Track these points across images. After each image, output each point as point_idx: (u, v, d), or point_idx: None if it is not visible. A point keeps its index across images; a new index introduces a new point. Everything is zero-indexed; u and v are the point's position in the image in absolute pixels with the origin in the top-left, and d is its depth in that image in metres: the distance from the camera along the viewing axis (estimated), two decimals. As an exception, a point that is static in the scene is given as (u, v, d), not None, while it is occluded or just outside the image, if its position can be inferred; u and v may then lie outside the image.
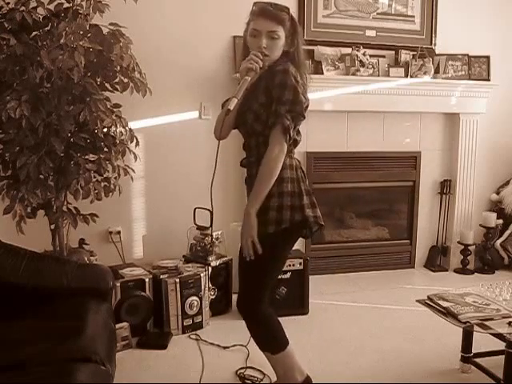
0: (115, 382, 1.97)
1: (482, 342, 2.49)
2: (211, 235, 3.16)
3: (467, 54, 3.95)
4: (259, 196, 1.88)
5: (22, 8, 2.40)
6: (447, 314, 2.27)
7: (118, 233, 3.43)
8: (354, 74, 3.67)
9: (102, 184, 2.72)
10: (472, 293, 2.48)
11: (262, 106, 1.90)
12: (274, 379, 2.26)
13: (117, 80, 2.69)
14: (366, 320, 3.18)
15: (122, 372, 2.31)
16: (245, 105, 1.95)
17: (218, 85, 3.51)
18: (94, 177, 2.69)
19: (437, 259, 4.21)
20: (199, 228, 3.26)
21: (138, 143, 2.81)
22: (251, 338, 2.67)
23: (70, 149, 2.57)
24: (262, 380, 2.46)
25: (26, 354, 1.75)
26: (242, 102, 1.94)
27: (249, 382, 2.44)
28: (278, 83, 1.86)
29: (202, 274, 3.01)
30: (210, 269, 3.11)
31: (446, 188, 4.14)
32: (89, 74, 2.57)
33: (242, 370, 2.51)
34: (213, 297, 3.15)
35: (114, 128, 2.67)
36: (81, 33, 2.44)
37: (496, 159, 4.29)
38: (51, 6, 2.52)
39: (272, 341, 2.12)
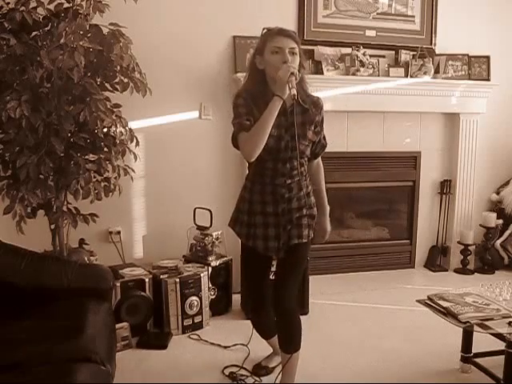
0: (115, 382, 1.97)
1: (482, 342, 2.49)
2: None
3: (467, 54, 3.95)
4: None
5: (22, 8, 2.40)
6: (447, 314, 2.27)
7: (118, 233, 3.43)
8: (354, 74, 3.67)
9: (102, 184, 2.72)
10: (472, 293, 2.48)
11: (314, 134, 2.14)
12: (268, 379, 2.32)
13: (117, 80, 2.68)
14: (366, 320, 3.18)
15: (122, 372, 2.31)
16: (289, 131, 2.06)
17: (218, 85, 3.51)
18: (94, 177, 2.69)
19: (437, 259, 4.21)
20: (199, 228, 3.26)
21: (137, 143, 2.80)
22: (251, 338, 2.70)
23: (70, 149, 2.56)
24: (246, 378, 2.47)
25: (26, 353, 1.75)
26: (283, 128, 2.06)
27: (241, 381, 2.45)
28: (323, 117, 2.18)
29: (202, 274, 3.01)
30: (210, 269, 3.11)
31: (446, 188, 4.14)
32: (89, 74, 2.57)
33: (233, 369, 2.52)
34: (213, 297, 3.15)
35: (113, 128, 2.67)
36: (81, 33, 2.44)
37: (496, 159, 4.29)
38: (51, 6, 2.52)
39: (300, 336, 2.24)
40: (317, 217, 2.23)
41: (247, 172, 2.23)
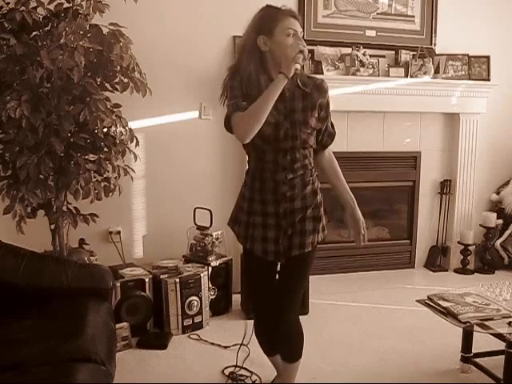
0: (115, 382, 1.97)
1: (482, 342, 2.49)
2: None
3: (467, 54, 3.95)
4: None
5: (22, 8, 2.40)
6: (447, 314, 2.27)
7: (118, 233, 3.43)
8: (354, 74, 3.67)
9: (102, 184, 2.72)
10: (472, 293, 2.48)
11: (317, 121, 1.96)
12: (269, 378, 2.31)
13: (117, 80, 2.69)
14: (366, 320, 3.18)
15: (122, 372, 2.31)
16: (289, 118, 1.89)
17: (218, 85, 3.42)
18: (94, 177, 2.69)
19: (437, 259, 4.21)
20: (199, 228, 3.26)
21: (137, 143, 2.81)
22: (251, 338, 2.69)
23: (70, 149, 2.57)
24: (246, 378, 2.46)
25: (26, 354, 1.75)
26: (282, 114, 1.87)
27: (241, 382, 2.44)
28: (329, 101, 2.00)
29: (202, 274, 3.01)
30: (210, 269, 3.11)
31: (446, 188, 4.14)
32: (89, 74, 2.57)
33: (232, 369, 2.51)
34: (213, 297, 3.15)
35: (113, 128, 2.67)
36: (81, 33, 2.45)
37: (496, 159, 4.29)
38: (51, 6, 2.52)
39: (302, 346, 2.16)
40: (347, 218, 2.05)
41: (247, 167, 2.05)
